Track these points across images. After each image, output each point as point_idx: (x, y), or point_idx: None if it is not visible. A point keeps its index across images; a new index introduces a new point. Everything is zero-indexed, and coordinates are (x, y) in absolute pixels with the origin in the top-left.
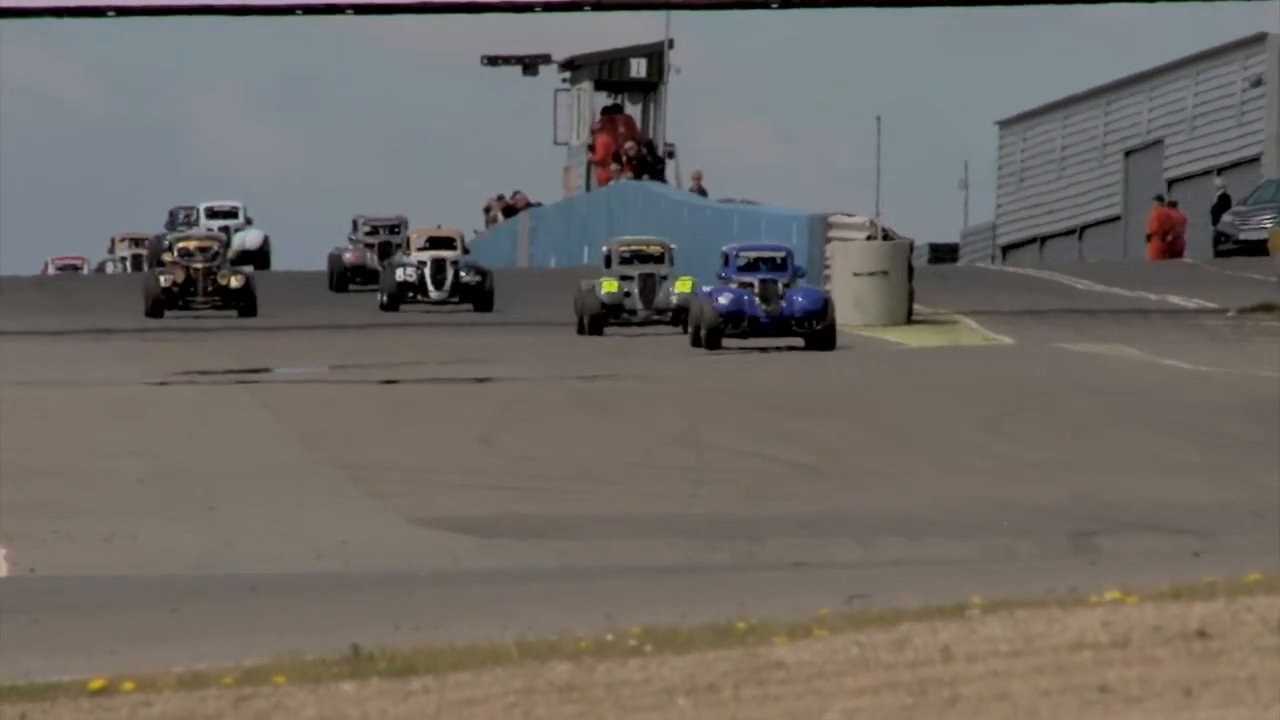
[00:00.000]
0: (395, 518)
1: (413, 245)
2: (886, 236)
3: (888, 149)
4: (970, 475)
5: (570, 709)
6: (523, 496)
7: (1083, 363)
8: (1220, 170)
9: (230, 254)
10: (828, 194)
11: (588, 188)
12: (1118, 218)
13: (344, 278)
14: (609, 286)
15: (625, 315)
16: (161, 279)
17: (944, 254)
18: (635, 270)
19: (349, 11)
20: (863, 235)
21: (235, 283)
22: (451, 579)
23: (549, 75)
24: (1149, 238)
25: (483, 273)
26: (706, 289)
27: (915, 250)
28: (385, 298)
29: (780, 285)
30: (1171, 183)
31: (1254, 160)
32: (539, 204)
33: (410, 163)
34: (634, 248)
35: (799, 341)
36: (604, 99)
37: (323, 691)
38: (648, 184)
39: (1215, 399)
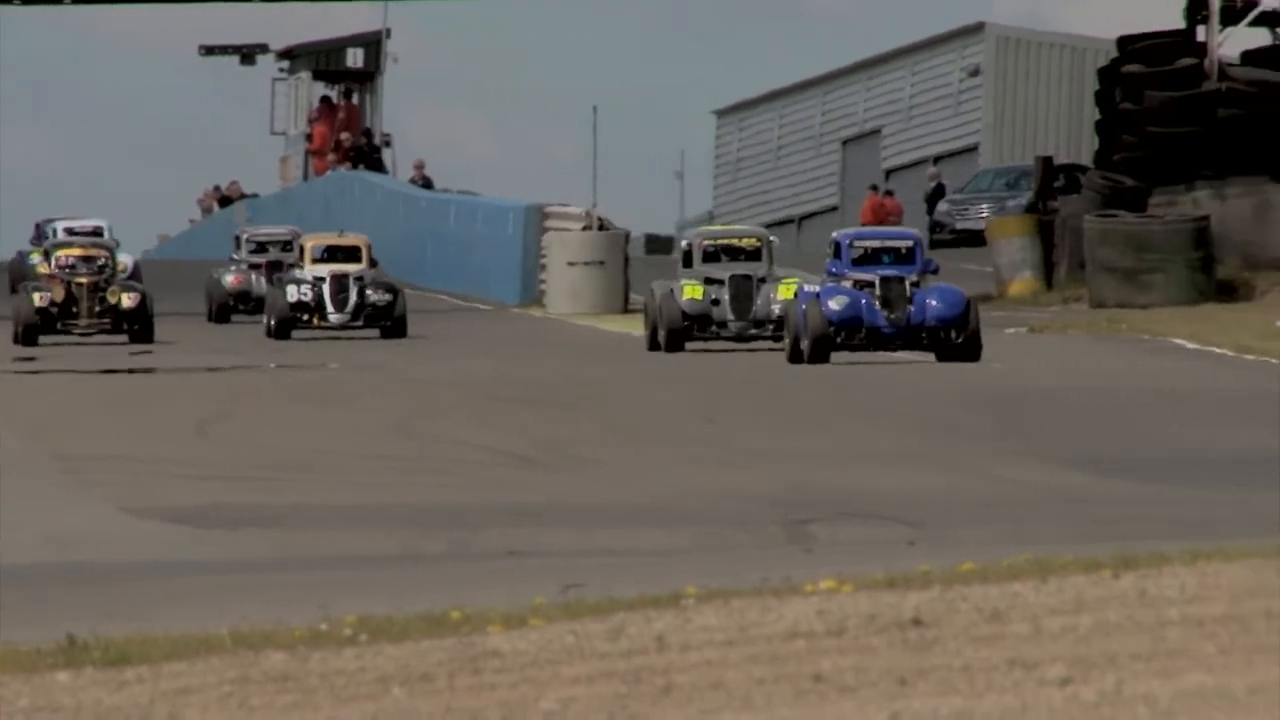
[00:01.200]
0: (110, 508)
1: (307, 257)
2: (603, 227)
3: (604, 139)
4: (687, 464)
5: (285, 698)
6: (238, 486)
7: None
8: (937, 159)
9: None
10: (545, 184)
11: (305, 177)
12: (835, 208)
13: (225, 307)
14: (692, 292)
15: (714, 328)
16: (36, 297)
17: (660, 245)
18: (725, 270)
19: (67, 2)
20: (579, 226)
21: (128, 301)
22: (166, 569)
23: (267, 65)
24: (864, 226)
25: (393, 291)
26: (811, 288)
27: (631, 241)
28: (273, 323)
29: (908, 284)
30: (889, 172)
31: (972, 150)
32: (255, 194)
33: (124, 154)
34: (723, 241)
35: (929, 355)
36: (322, 88)
37: (37, 681)
38: (364, 174)
39: (933, 388)
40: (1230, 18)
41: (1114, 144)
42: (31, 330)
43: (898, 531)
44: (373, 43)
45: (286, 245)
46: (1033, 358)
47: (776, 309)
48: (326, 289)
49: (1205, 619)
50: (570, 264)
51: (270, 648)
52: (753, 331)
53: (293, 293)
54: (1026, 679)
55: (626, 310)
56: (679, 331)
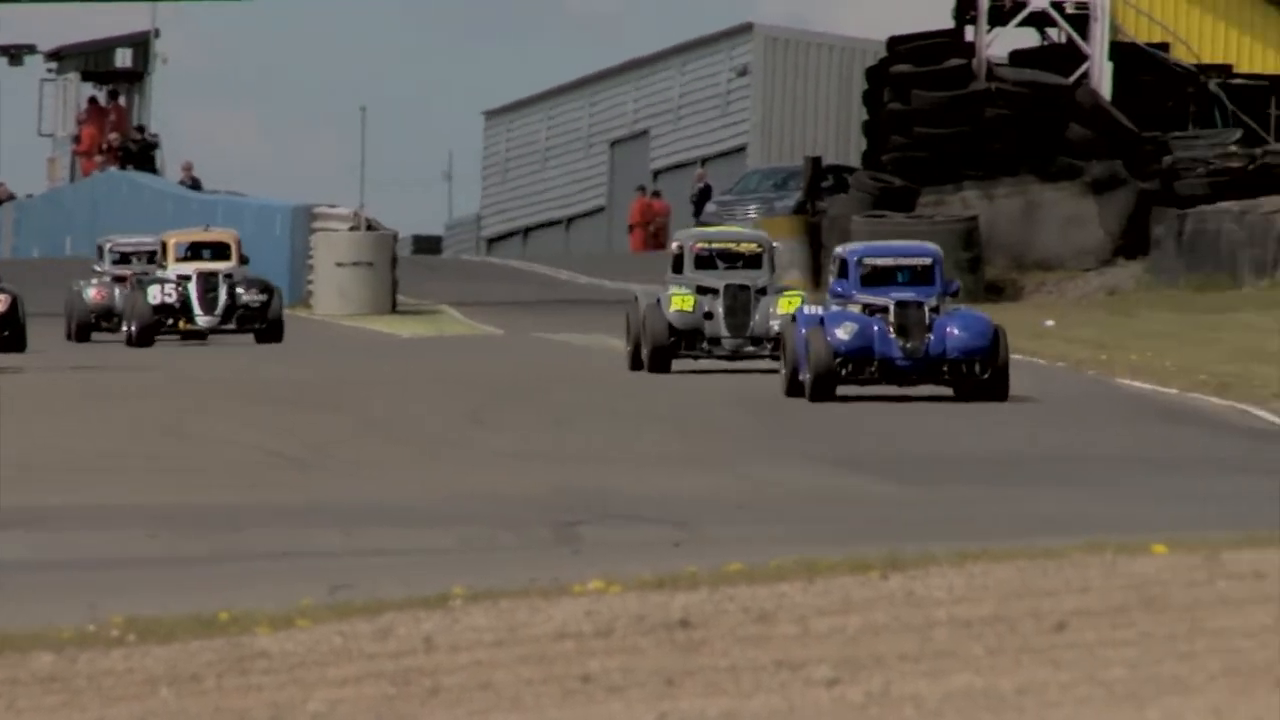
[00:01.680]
0: None
1: (170, 255)
2: (370, 227)
3: (373, 140)
4: (453, 465)
5: (53, 699)
6: (3, 487)
7: (567, 353)
8: (705, 160)
9: None
10: (314, 186)
11: (71, 179)
12: (603, 209)
13: (87, 325)
14: (681, 303)
15: (705, 344)
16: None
17: (428, 245)
18: (720, 279)
19: None
20: (347, 226)
21: None
22: None
23: (35, 65)
24: (631, 229)
25: (268, 290)
26: (813, 310)
27: (399, 241)
28: (134, 329)
29: (926, 309)
30: (658, 173)
31: (740, 150)
32: (28, 196)
33: None
34: (719, 245)
35: (946, 390)
36: (90, 89)
37: None
38: (132, 174)
39: (697, 389)
40: (998, 18)
41: (883, 144)
42: None
43: (664, 533)
44: (141, 43)
45: (152, 256)
46: None
47: (776, 325)
48: (193, 289)
49: (973, 620)
50: (338, 264)
51: (38, 649)
52: (749, 349)
53: (155, 294)
54: (794, 680)
55: (395, 310)
56: (665, 349)
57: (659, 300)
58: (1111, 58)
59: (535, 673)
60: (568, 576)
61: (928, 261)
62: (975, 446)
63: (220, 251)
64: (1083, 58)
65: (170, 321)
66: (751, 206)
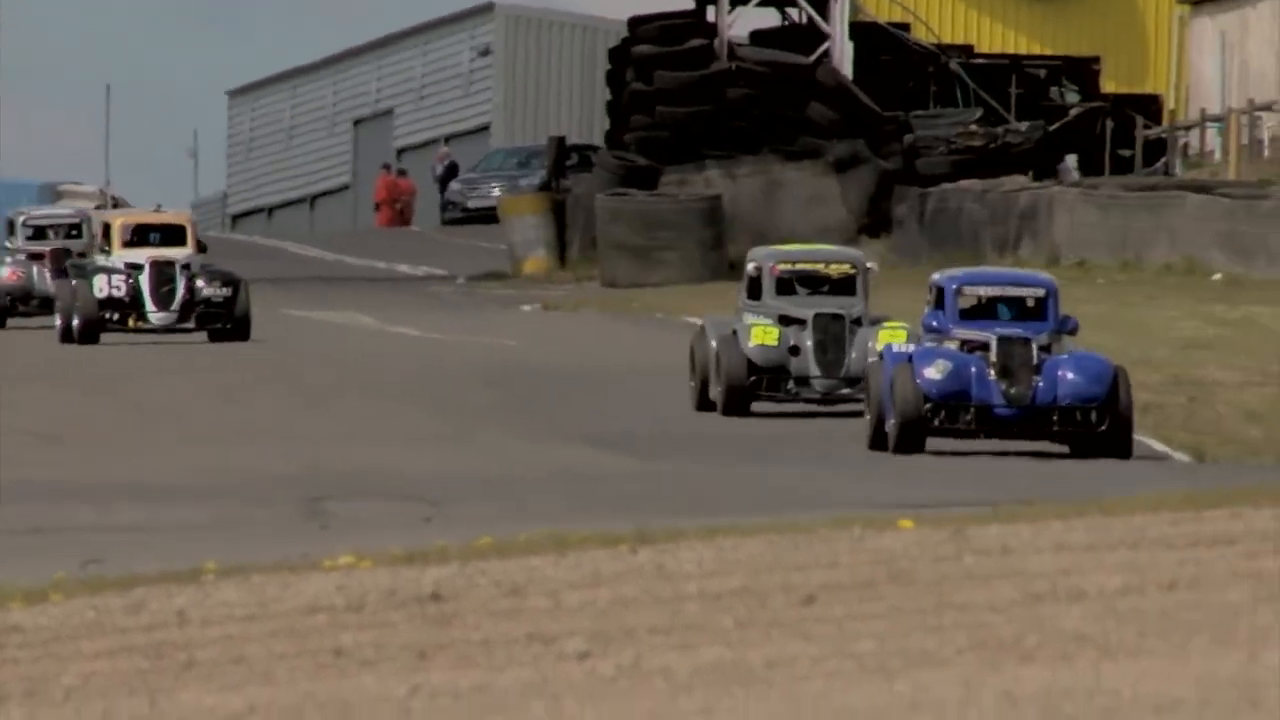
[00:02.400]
0: None
1: (115, 239)
2: (116, 205)
3: (118, 119)
4: (204, 443)
5: None
6: None
7: (315, 330)
8: (449, 139)
9: None
10: (60, 164)
11: None
12: (347, 186)
13: (1, 309)
14: (764, 336)
15: (791, 385)
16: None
17: None
18: (809, 308)
19: None
20: (93, 204)
21: None
22: None
23: None
24: (377, 206)
25: (233, 283)
26: (901, 348)
27: None
28: (77, 324)
29: (1035, 348)
30: (401, 151)
31: (484, 129)
32: None
33: None
34: (804, 266)
35: (1060, 446)
36: None
37: None
38: None
39: (447, 366)
40: None
41: (626, 124)
42: None
43: (414, 508)
44: None
45: (73, 229)
46: (546, 335)
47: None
48: (145, 281)
49: (722, 593)
50: None
51: None
52: (844, 391)
53: (102, 285)
54: (546, 653)
55: None
56: (742, 390)
57: (735, 332)
58: (852, 37)
59: (287, 647)
60: (319, 552)
61: (1040, 293)
62: (720, 423)
63: (173, 236)
64: (824, 37)
65: (117, 317)
66: (495, 185)
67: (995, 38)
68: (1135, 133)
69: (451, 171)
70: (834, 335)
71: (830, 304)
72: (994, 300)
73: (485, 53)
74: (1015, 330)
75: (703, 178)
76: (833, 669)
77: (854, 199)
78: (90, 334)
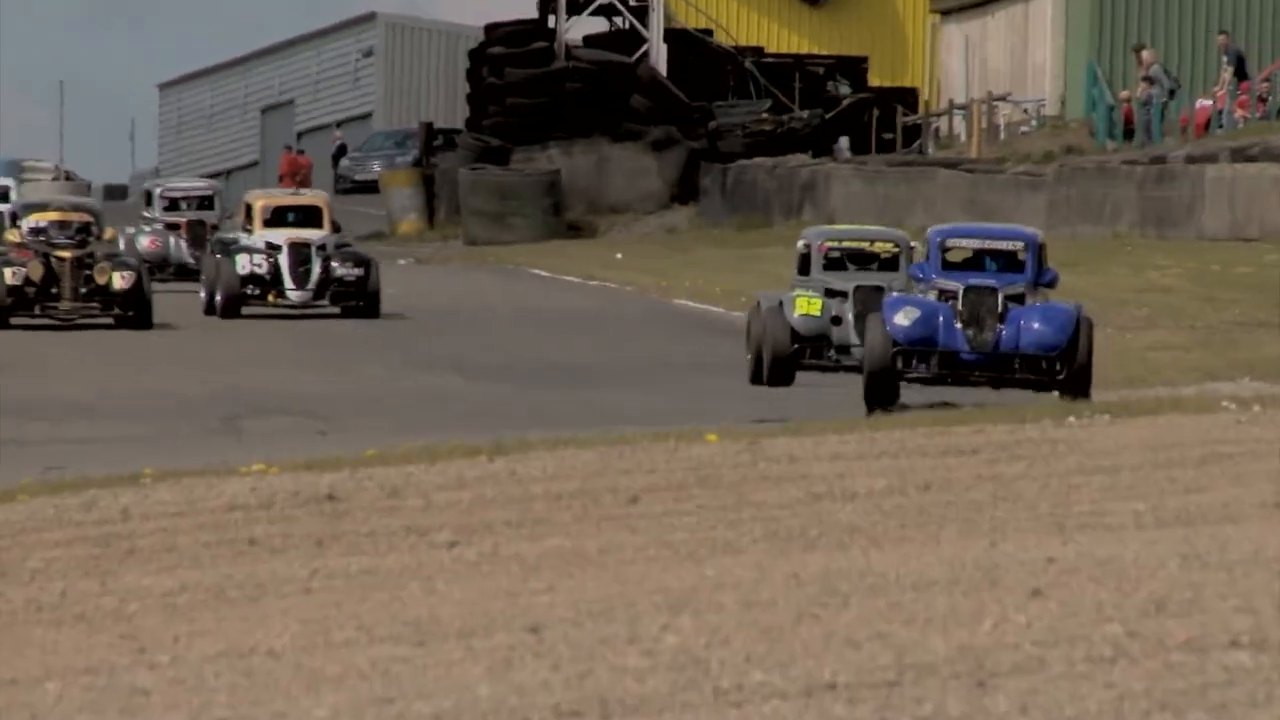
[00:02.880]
0: None
1: (256, 219)
2: (69, 178)
3: (70, 107)
4: (133, 371)
5: None
6: None
7: None
8: (340, 124)
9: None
10: (19, 145)
11: None
12: (257, 163)
13: None
14: (807, 306)
15: (832, 353)
16: (8, 273)
17: (116, 193)
18: (850, 281)
19: None
20: (50, 177)
21: (120, 281)
22: None
23: None
24: (281, 179)
25: (364, 263)
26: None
27: (93, 189)
28: (221, 298)
29: (1000, 298)
30: (301, 134)
31: (368, 116)
32: None
33: None
34: (850, 244)
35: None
36: None
37: None
38: None
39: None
40: (575, 9)
41: (483, 112)
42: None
43: (311, 424)
44: None
45: (205, 201)
46: (419, 284)
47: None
48: (284, 260)
49: (563, 494)
50: None
51: None
52: None
53: (244, 263)
54: (421, 543)
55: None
56: (787, 358)
57: (781, 303)
58: (666, 41)
59: (211, 537)
60: (235, 460)
61: (1020, 245)
62: (559, 354)
63: (311, 217)
64: (643, 41)
65: (258, 293)
66: (377, 162)
67: (782, 41)
68: (896, 119)
69: (342, 151)
70: (873, 306)
71: (872, 278)
72: (980, 253)
73: (369, 54)
74: (985, 280)
75: (545, 156)
76: (653, 555)
77: (669, 173)
78: (232, 308)
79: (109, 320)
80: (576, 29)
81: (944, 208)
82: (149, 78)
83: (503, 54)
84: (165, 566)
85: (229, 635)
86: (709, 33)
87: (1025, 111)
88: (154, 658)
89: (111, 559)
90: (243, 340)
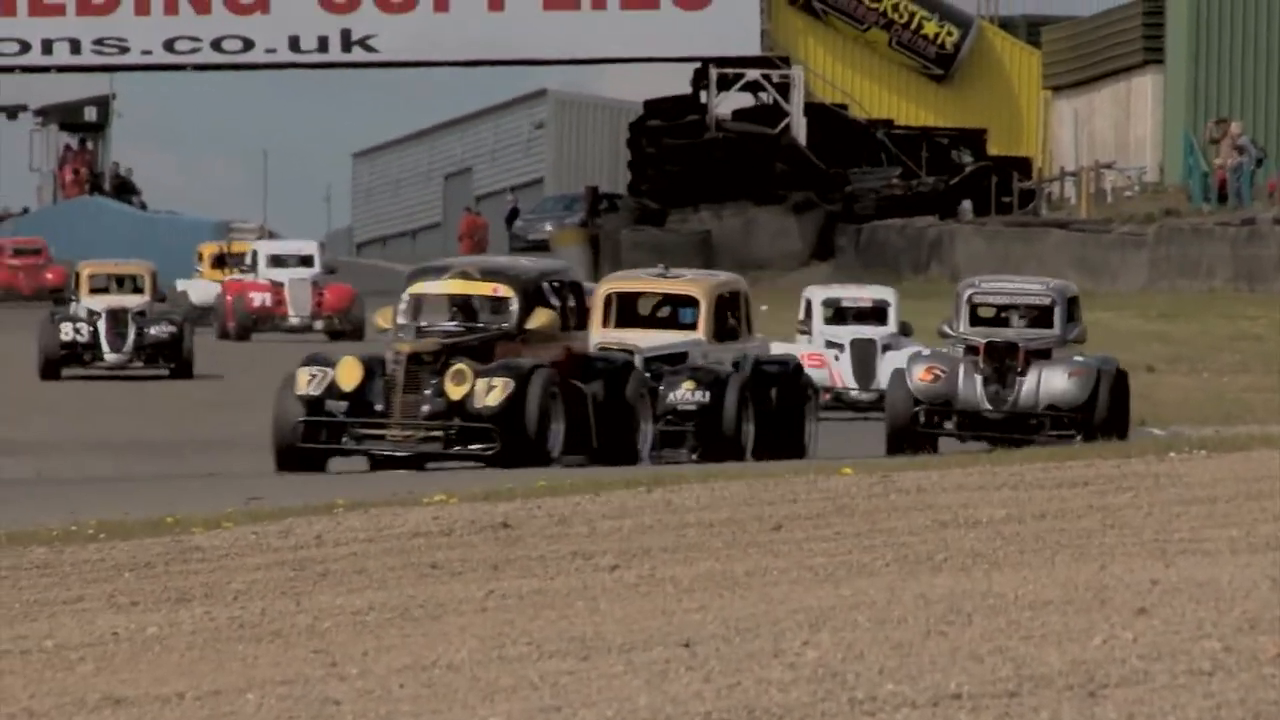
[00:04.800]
0: None
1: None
2: (272, 237)
3: (273, 173)
4: None
5: (46, 581)
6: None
7: None
8: (514, 189)
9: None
10: (227, 206)
11: (54, 201)
12: (439, 224)
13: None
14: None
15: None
16: (66, 328)
17: None
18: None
19: None
20: (255, 237)
21: (160, 331)
22: None
23: (26, 119)
24: (460, 238)
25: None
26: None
27: None
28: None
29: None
30: (479, 198)
31: (539, 181)
32: (15, 212)
33: None
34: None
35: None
36: (66, 137)
37: None
38: (98, 199)
39: None
40: (724, 85)
41: (642, 177)
42: (52, 364)
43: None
44: (103, 103)
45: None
46: None
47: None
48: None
49: (714, 522)
50: None
51: (34, 544)
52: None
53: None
54: (586, 566)
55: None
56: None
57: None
58: (806, 114)
59: (397, 561)
60: (419, 491)
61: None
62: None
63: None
64: (785, 114)
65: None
66: (548, 222)
67: (910, 114)
68: (1013, 185)
69: (515, 213)
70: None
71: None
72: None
73: (540, 126)
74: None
75: (697, 217)
76: (795, 577)
77: (808, 233)
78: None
79: None
80: (725, 104)
81: (1056, 264)
82: (344, 147)
83: (660, 126)
84: (355, 588)
85: (413, 650)
86: (844, 107)
87: (1128, 177)
88: (344, 670)
89: (306, 581)
90: None
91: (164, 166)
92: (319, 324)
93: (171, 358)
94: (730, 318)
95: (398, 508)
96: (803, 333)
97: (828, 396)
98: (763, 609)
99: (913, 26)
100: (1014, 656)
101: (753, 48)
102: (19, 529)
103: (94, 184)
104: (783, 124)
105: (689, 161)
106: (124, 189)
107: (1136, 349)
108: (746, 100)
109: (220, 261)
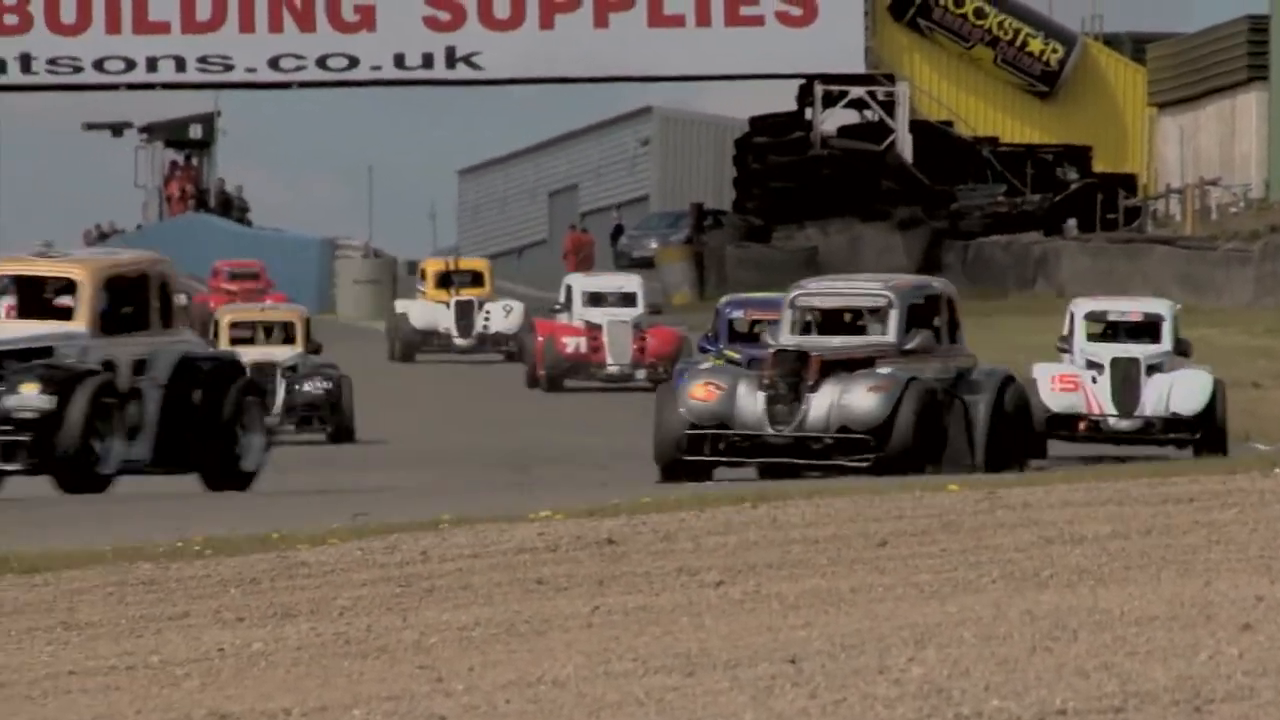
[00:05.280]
0: None
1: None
2: (377, 255)
3: (378, 190)
4: (442, 426)
5: (152, 597)
6: None
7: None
8: (619, 206)
9: None
10: (332, 223)
11: (160, 218)
12: (545, 241)
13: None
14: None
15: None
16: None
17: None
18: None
19: None
20: (360, 254)
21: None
22: (52, 501)
23: (131, 136)
24: (565, 255)
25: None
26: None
27: (398, 264)
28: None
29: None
30: (585, 214)
31: (644, 199)
32: (124, 230)
33: (27, 201)
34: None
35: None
36: (171, 154)
37: None
38: (204, 216)
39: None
40: (830, 102)
41: (747, 194)
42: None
43: (593, 475)
44: (208, 120)
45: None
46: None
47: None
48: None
49: (819, 538)
50: (355, 282)
51: (141, 560)
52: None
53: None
54: (691, 582)
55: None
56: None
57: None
58: (912, 131)
59: (502, 577)
60: (524, 508)
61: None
62: None
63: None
64: (891, 131)
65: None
66: (652, 239)
67: (1015, 131)
68: (1118, 202)
69: (619, 230)
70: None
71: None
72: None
73: (645, 143)
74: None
75: (803, 234)
76: (900, 594)
77: (914, 249)
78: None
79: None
80: (831, 121)
81: (1161, 281)
82: (449, 164)
83: (765, 143)
84: (461, 604)
85: (518, 666)
86: (950, 124)
87: (1233, 194)
88: (450, 686)
89: (412, 597)
90: (538, 399)
91: (268, 183)
92: (641, 373)
93: (328, 419)
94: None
95: (503, 524)
96: (1062, 350)
97: (1083, 426)
98: (868, 625)
99: (1018, 44)
100: (1119, 672)
101: (857, 65)
102: (126, 544)
103: (199, 201)
104: (888, 141)
105: (794, 178)
106: (228, 206)
107: (1241, 365)
108: (852, 117)
109: (445, 280)
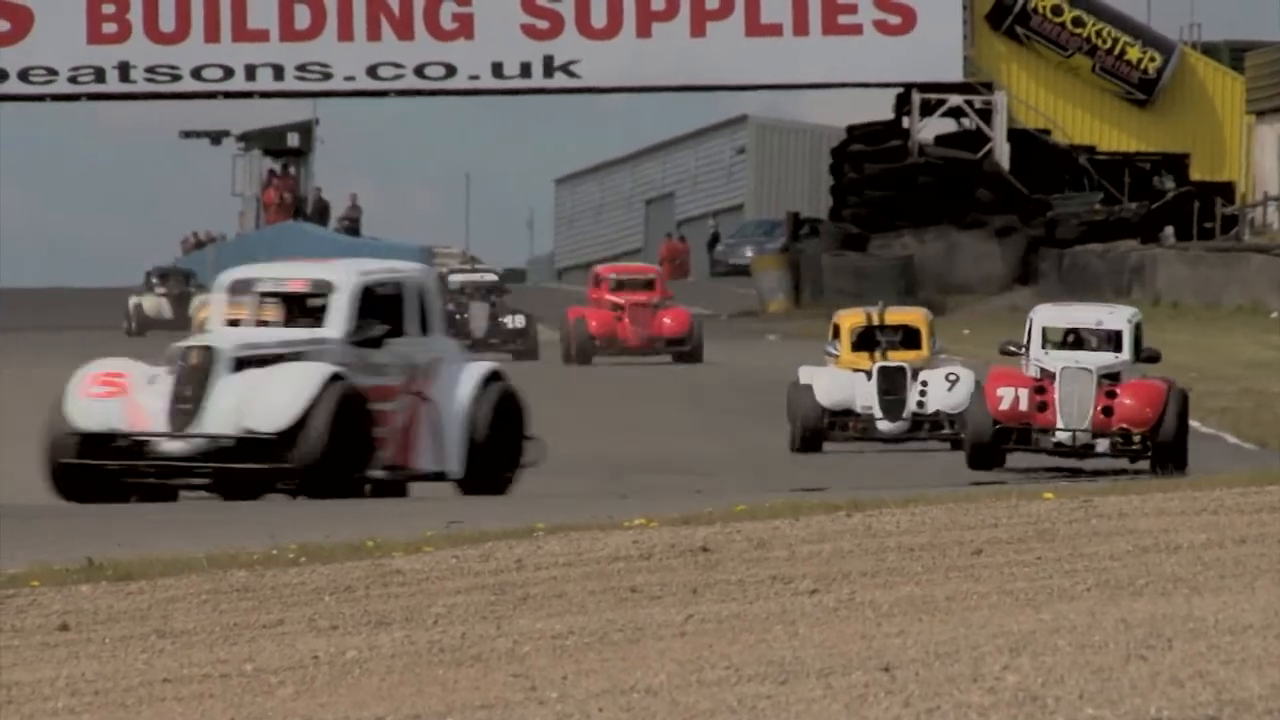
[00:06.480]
0: None
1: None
2: (475, 262)
3: (474, 198)
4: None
5: (246, 604)
6: None
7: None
8: (715, 214)
9: None
10: (428, 231)
11: (257, 226)
12: (640, 249)
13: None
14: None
15: (854, 425)
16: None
17: (514, 276)
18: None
19: (84, 99)
20: (457, 261)
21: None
22: (146, 508)
23: (229, 145)
24: (661, 263)
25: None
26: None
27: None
28: (801, 434)
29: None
30: (680, 223)
31: (739, 207)
32: (223, 237)
33: (125, 209)
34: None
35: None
36: (269, 162)
37: (66, 592)
38: (302, 224)
39: (712, 380)
40: (927, 110)
41: (843, 202)
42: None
43: (687, 482)
44: (305, 128)
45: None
46: (785, 357)
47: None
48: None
49: (914, 546)
50: None
51: (235, 567)
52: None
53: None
54: (785, 590)
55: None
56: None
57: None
58: (1009, 140)
59: (596, 585)
60: (618, 515)
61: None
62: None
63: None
64: (988, 139)
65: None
66: (748, 247)
67: (1112, 139)
68: (1215, 210)
69: (715, 238)
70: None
71: (1086, 359)
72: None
73: (741, 151)
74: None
75: (899, 242)
76: (994, 602)
77: (1010, 257)
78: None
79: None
80: (928, 129)
81: (1258, 288)
82: (546, 173)
83: (862, 151)
84: (554, 612)
85: (611, 674)
86: (1047, 132)
87: None
88: (544, 694)
89: (506, 605)
90: (629, 406)
91: (365, 191)
92: (1101, 444)
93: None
94: None
95: (597, 531)
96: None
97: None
98: (962, 633)
99: (1116, 52)
100: (1214, 681)
101: (955, 73)
102: (220, 552)
103: (297, 208)
104: (985, 149)
105: (891, 186)
106: (324, 214)
107: None
108: (949, 126)
109: (868, 340)
